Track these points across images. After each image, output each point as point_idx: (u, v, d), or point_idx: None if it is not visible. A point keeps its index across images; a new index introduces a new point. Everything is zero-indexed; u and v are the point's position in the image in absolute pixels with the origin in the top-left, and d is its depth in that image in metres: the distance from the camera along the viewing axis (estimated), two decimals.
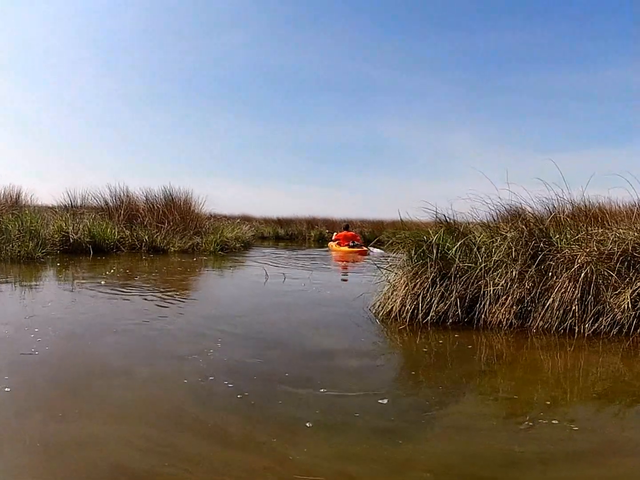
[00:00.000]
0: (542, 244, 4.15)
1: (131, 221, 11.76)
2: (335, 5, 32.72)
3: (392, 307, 4.28)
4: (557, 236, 4.30)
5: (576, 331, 3.76)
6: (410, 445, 1.97)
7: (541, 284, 3.98)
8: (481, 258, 4.20)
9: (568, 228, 4.41)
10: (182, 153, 38.78)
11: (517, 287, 4.01)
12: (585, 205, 5.09)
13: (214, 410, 2.29)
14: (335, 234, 16.22)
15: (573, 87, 31.72)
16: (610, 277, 3.88)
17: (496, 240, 4.36)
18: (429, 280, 4.19)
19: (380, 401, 2.38)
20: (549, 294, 3.91)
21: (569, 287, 3.87)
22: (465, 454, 1.91)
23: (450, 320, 4.03)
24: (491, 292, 4.03)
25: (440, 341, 3.63)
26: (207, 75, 37.66)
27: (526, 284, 4.01)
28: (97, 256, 9.46)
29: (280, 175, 41.35)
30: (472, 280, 4.13)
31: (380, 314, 4.37)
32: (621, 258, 3.97)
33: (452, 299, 4.07)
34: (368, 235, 20.17)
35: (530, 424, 2.17)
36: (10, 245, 8.26)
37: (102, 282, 5.99)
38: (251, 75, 37.01)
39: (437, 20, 31.45)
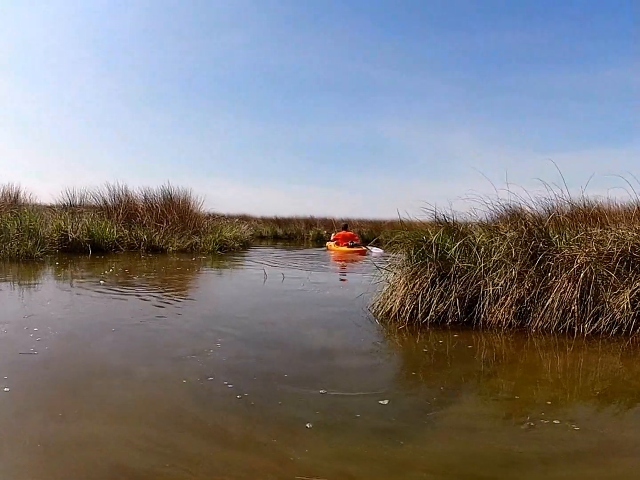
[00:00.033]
0: (541, 244, 4.16)
1: (130, 220, 11.75)
2: (335, 5, 32.76)
3: (392, 307, 4.28)
4: (557, 236, 4.30)
5: (575, 331, 3.76)
6: (411, 445, 1.97)
7: (540, 284, 3.99)
8: (480, 258, 4.20)
9: (567, 228, 4.42)
10: (182, 153, 38.83)
11: (516, 287, 4.02)
12: (585, 206, 5.10)
13: (213, 410, 2.29)
14: (333, 234, 16.21)
15: (573, 87, 31.80)
16: (609, 277, 3.88)
17: (495, 240, 4.37)
18: (429, 280, 4.19)
19: (380, 402, 2.38)
20: (549, 294, 3.92)
21: (569, 287, 3.87)
22: (466, 454, 1.91)
23: (450, 321, 4.03)
24: (490, 292, 4.03)
25: (440, 341, 3.63)
26: (207, 75, 37.72)
27: (525, 284, 4.01)
28: (96, 255, 9.45)
29: (280, 175, 41.40)
30: (471, 281, 4.13)
31: (380, 314, 4.37)
32: (620, 258, 3.98)
33: (452, 299, 4.07)
34: (366, 235, 20.19)
35: (532, 424, 2.17)
36: (9, 244, 8.24)
37: (101, 282, 5.98)
38: (251, 75, 37.09)
39: (437, 20, 31.51)
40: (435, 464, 1.84)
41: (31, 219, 8.92)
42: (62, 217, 10.20)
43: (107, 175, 30.28)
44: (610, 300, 3.81)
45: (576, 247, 4.08)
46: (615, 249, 4.02)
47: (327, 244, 15.78)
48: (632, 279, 3.86)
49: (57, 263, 8.12)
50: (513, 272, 4.04)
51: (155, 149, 38.03)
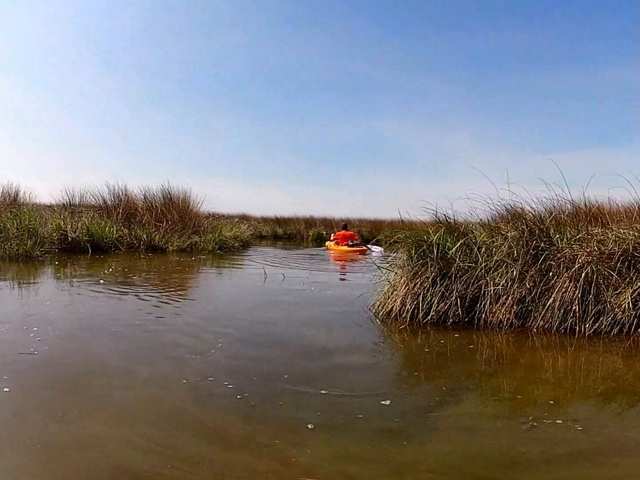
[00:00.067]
0: (542, 244, 4.15)
1: (130, 220, 11.74)
2: (335, 5, 32.77)
3: (393, 307, 4.27)
4: (558, 236, 4.29)
5: (577, 331, 3.75)
6: (413, 446, 1.96)
7: (542, 284, 3.98)
8: (481, 258, 4.19)
9: (568, 228, 4.41)
10: (182, 153, 38.90)
11: (517, 286, 4.01)
12: (586, 205, 5.09)
13: (214, 410, 2.27)
14: (333, 234, 16.20)
15: (573, 87, 31.82)
16: (610, 277, 3.88)
17: (497, 240, 4.36)
18: (429, 280, 4.18)
19: (382, 402, 2.37)
20: (550, 294, 3.91)
21: (570, 287, 3.86)
22: (468, 455, 1.90)
23: (451, 320, 4.02)
24: (492, 291, 4.02)
25: (441, 341, 3.62)
26: (207, 75, 37.76)
27: (527, 283, 4.01)
28: (96, 255, 9.44)
29: (280, 175, 41.47)
30: (472, 280, 4.12)
31: (381, 313, 4.36)
32: (622, 258, 3.97)
33: (453, 298, 4.06)
34: (366, 234, 20.20)
35: (534, 424, 2.16)
36: (9, 243, 8.24)
37: (101, 281, 5.97)
38: (251, 75, 37.13)
39: (437, 20, 31.54)
40: (438, 464, 1.83)
41: (31, 219, 8.91)
42: (62, 217, 10.19)
43: (107, 175, 30.34)
44: (612, 299, 3.80)
45: (577, 246, 4.07)
46: (616, 248, 4.01)
47: (327, 243, 15.78)
48: (634, 278, 3.85)
49: (56, 262, 8.11)
50: (514, 272, 4.04)
51: (155, 149, 38.11)
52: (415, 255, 4.37)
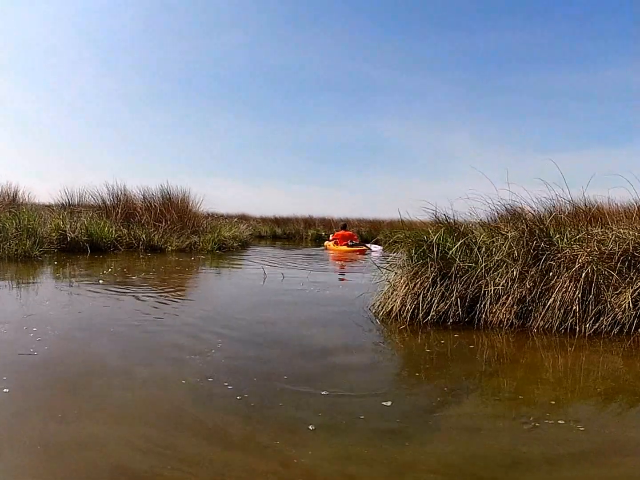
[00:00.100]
0: (542, 244, 4.14)
1: (129, 220, 11.73)
2: (335, 5, 32.79)
3: (392, 307, 4.26)
4: (558, 236, 4.29)
5: (577, 331, 3.75)
6: (415, 446, 1.96)
7: (542, 284, 3.97)
8: (482, 258, 4.19)
9: (568, 228, 4.41)
10: (182, 153, 38.95)
11: (517, 286, 4.00)
12: (586, 205, 5.09)
13: (214, 411, 2.27)
14: (332, 234, 16.18)
15: (573, 87, 31.87)
16: (610, 277, 3.87)
17: (497, 240, 4.35)
18: (429, 280, 4.18)
19: (383, 403, 2.36)
20: (550, 294, 3.90)
21: (570, 287, 3.86)
22: (470, 455, 1.89)
23: (451, 320, 4.02)
24: (492, 291, 4.02)
25: (442, 341, 3.62)
26: (207, 75, 37.79)
27: (527, 283, 4.00)
28: (95, 255, 9.42)
29: (280, 175, 41.52)
30: (472, 280, 4.12)
31: (381, 313, 4.36)
32: (622, 258, 3.97)
33: (453, 298, 4.06)
34: (365, 234, 20.21)
35: (536, 424, 2.15)
36: (8, 243, 8.22)
37: (100, 281, 5.96)
38: (251, 75, 37.17)
39: (437, 20, 31.57)
40: (439, 464, 1.82)
41: (30, 219, 8.89)
42: (61, 217, 10.17)
43: (107, 175, 30.37)
44: (612, 299, 3.80)
45: (577, 246, 4.07)
46: (616, 248, 4.01)
47: (326, 243, 15.76)
48: (634, 278, 3.85)
49: (55, 262, 8.09)
50: (514, 272, 4.03)
51: (155, 149, 38.15)
52: (415, 255, 4.37)
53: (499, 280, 4.05)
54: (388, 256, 5.31)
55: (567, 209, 4.94)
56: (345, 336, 3.77)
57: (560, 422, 2.18)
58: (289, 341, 3.60)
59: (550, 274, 4.00)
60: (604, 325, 3.75)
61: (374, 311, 4.46)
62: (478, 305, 4.07)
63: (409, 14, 32.13)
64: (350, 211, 30.09)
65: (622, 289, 3.82)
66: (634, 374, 3.04)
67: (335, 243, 14.54)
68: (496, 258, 4.17)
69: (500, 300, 4.02)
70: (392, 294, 4.38)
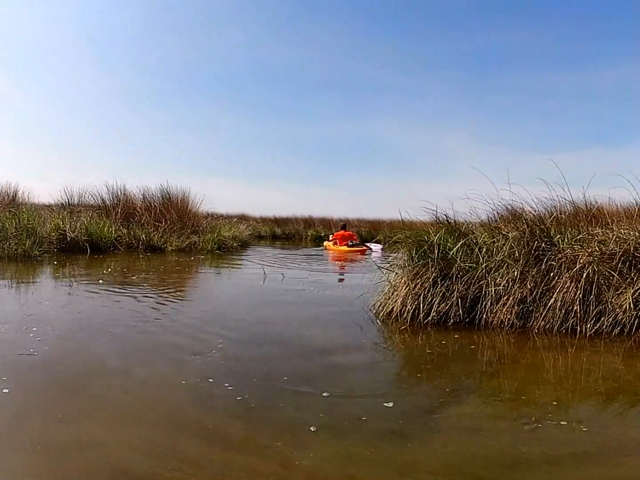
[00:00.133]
0: (543, 244, 4.14)
1: (128, 220, 11.72)
2: (335, 5, 32.78)
3: (393, 308, 4.25)
4: (559, 236, 4.28)
5: (578, 331, 3.74)
6: (417, 447, 1.95)
7: (543, 284, 3.97)
8: (482, 258, 4.18)
9: (569, 228, 4.40)
10: (182, 153, 39.00)
11: (518, 287, 4.00)
12: (586, 205, 5.09)
13: (214, 412, 2.26)
14: (331, 235, 16.16)
15: (573, 87, 31.87)
16: (611, 277, 3.87)
17: (498, 240, 4.34)
18: (430, 280, 4.17)
19: (385, 404, 2.35)
20: (551, 294, 3.90)
21: (571, 287, 3.86)
22: (472, 456, 1.89)
23: (452, 321, 4.01)
24: (492, 292, 4.01)
25: (442, 342, 3.61)
26: (207, 75, 37.78)
27: (528, 284, 3.99)
28: (94, 255, 9.41)
29: (280, 175, 41.51)
30: (473, 281, 4.11)
31: (381, 314, 4.35)
32: (623, 258, 3.96)
33: (454, 299, 4.05)
34: (365, 234, 20.21)
35: (538, 425, 2.15)
36: (7, 243, 8.21)
37: (100, 281, 5.95)
38: (251, 75, 37.15)
39: (437, 20, 31.59)
40: (440, 465, 1.82)
41: (29, 218, 8.88)
42: (61, 217, 10.16)
43: (107, 175, 30.38)
44: (613, 300, 3.79)
45: (578, 247, 4.06)
46: (617, 249, 4.00)
47: (325, 243, 15.75)
48: (635, 278, 3.84)
49: (55, 262, 8.08)
50: (515, 272, 4.03)
51: (155, 148, 38.19)
52: (416, 256, 4.36)
53: (499, 280, 4.05)
54: (389, 256, 5.30)
55: (568, 209, 4.94)
56: (346, 336, 3.76)
57: (562, 422, 2.17)
58: (289, 341, 3.59)
59: (551, 274, 3.99)
60: (604, 326, 3.74)
61: (374, 311, 4.46)
62: (479, 305, 4.06)
63: (408, 13, 32.19)
64: (350, 211, 30.12)
65: (623, 290, 3.81)
66: (634, 374, 3.03)
67: (335, 243, 14.53)
68: (497, 258, 4.17)
69: (501, 300, 4.02)
70: (392, 294, 4.37)
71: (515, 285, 4.00)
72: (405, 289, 4.24)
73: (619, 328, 3.71)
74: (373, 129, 37.57)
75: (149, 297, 5.05)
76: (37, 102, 37.09)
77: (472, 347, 3.52)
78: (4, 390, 2.34)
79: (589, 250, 3.99)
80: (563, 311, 3.83)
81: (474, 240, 4.39)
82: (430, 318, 4.02)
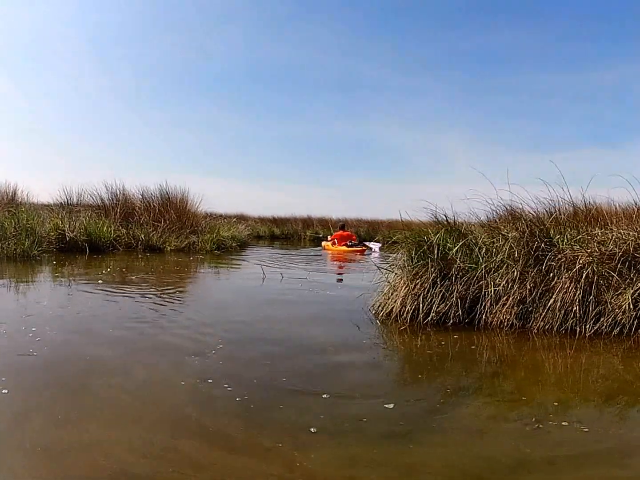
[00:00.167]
0: (543, 245, 4.14)
1: (127, 219, 11.71)
2: (335, 5, 32.80)
3: (393, 308, 4.25)
4: (558, 237, 4.29)
5: (577, 332, 3.75)
6: (418, 448, 1.95)
7: (542, 285, 3.97)
8: (482, 259, 4.18)
9: (569, 229, 4.40)
10: (182, 153, 38.90)
11: (518, 287, 4.00)
12: (586, 206, 5.09)
13: (214, 413, 2.25)
14: (330, 235, 16.14)
15: (573, 87, 31.92)
16: (611, 278, 3.87)
17: (497, 240, 4.34)
18: (430, 280, 4.17)
19: (385, 405, 2.34)
20: (550, 295, 3.90)
21: (570, 288, 3.86)
22: (474, 457, 1.89)
23: (451, 321, 4.01)
24: (492, 292, 4.01)
25: (442, 342, 3.61)
26: (207, 75, 37.74)
27: (527, 284, 3.99)
28: (93, 255, 9.40)
29: (279, 175, 41.50)
30: (473, 281, 4.11)
31: (381, 314, 4.35)
32: (622, 258, 3.96)
33: (453, 299, 4.05)
34: (364, 235, 20.21)
35: (540, 425, 2.14)
36: (6, 243, 8.19)
37: (99, 281, 5.94)
38: (251, 75, 37.13)
39: (437, 20, 31.58)
40: (443, 466, 1.81)
41: (28, 218, 8.86)
42: (60, 216, 10.15)
43: (107, 175, 30.32)
44: (612, 300, 3.79)
45: (578, 247, 4.06)
46: (616, 249, 4.01)
47: (324, 243, 15.72)
48: (634, 279, 3.84)
49: (54, 262, 8.07)
50: (515, 273, 4.03)
51: (155, 148, 38.11)
52: (416, 256, 4.35)
53: (499, 281, 4.05)
54: (388, 257, 5.30)
55: (567, 210, 4.94)
56: (346, 337, 3.76)
57: (563, 423, 2.17)
58: (288, 342, 3.58)
59: (551, 274, 3.99)
60: (604, 326, 3.75)
61: (374, 312, 4.46)
62: (478, 306, 4.06)
63: (408, 13, 32.21)
64: (350, 211, 30.15)
65: (623, 290, 3.81)
66: (634, 375, 3.04)
67: (334, 243, 14.52)
68: (496, 259, 4.17)
69: (501, 301, 4.02)
70: (392, 294, 4.37)
71: (514, 285, 4.00)
72: (404, 289, 4.24)
73: (618, 328, 3.72)
74: (373, 129, 37.64)
75: (148, 297, 5.04)
76: (37, 102, 37.08)
77: (472, 347, 3.52)
78: (4, 391, 2.33)
79: (589, 250, 3.99)
80: (562, 312, 3.83)
81: (474, 241, 4.38)
82: (429, 318, 4.02)
